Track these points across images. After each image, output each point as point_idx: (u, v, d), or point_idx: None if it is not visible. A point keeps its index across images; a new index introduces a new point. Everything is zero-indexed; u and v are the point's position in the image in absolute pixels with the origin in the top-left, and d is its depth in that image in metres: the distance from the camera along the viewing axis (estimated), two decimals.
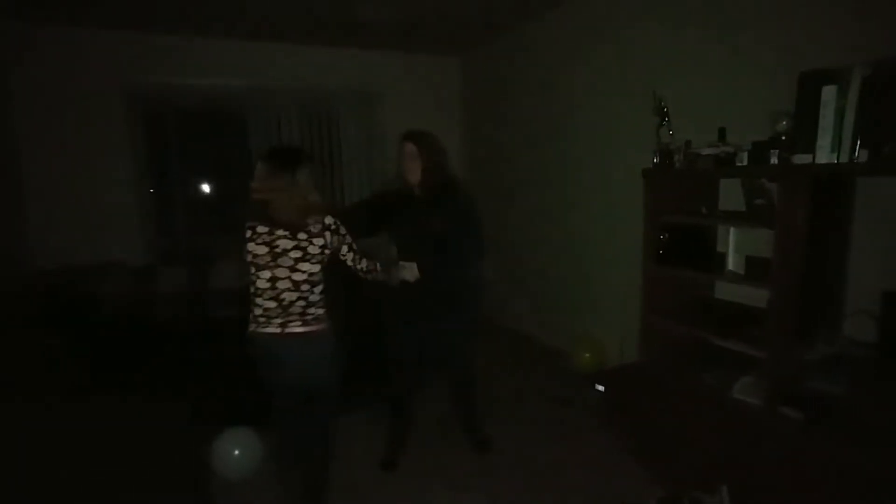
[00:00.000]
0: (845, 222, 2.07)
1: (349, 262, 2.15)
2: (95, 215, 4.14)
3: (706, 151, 2.24)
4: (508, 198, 4.59)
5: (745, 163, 2.11)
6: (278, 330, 1.97)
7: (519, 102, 4.34)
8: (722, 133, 2.27)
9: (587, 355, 3.62)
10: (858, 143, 1.74)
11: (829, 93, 1.77)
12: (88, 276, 3.66)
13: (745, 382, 2.21)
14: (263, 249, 1.95)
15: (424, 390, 3.07)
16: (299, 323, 1.98)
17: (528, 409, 3.21)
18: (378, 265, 2.22)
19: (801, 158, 1.87)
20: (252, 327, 2.02)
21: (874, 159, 1.72)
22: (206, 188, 4.79)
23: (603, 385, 3.20)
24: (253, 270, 1.98)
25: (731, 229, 2.27)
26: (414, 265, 2.31)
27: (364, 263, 2.17)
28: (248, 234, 1.99)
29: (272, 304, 1.96)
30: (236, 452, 2.52)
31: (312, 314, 2.00)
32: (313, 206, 2.00)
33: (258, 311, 1.98)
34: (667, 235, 2.47)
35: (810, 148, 1.84)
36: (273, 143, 4.53)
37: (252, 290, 2.00)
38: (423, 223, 2.32)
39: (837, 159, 1.78)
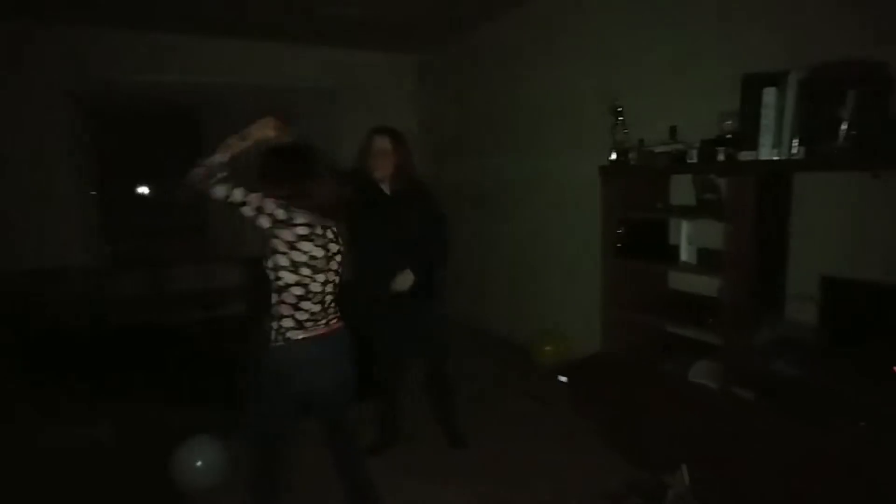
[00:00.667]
0: (785, 213, 2.23)
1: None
2: (39, 219, 3.92)
3: (659, 149, 2.36)
4: (469, 196, 4.64)
5: (695, 160, 2.23)
6: (324, 330, 1.83)
7: (478, 101, 4.40)
8: (673, 132, 2.40)
9: (550, 349, 3.73)
10: (796, 140, 1.88)
11: (769, 94, 1.91)
12: (35, 281, 3.48)
13: (700, 367, 2.35)
14: (321, 252, 1.77)
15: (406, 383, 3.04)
16: (335, 319, 1.89)
17: (498, 404, 3.26)
18: None
19: (745, 155, 2.01)
20: (292, 335, 1.76)
21: (810, 156, 1.87)
22: (155, 189, 4.60)
23: (566, 376, 3.31)
24: (308, 273, 1.74)
25: (684, 222, 2.40)
26: (408, 273, 2.28)
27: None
28: (305, 231, 1.73)
29: (318, 308, 1.80)
30: (199, 463, 2.46)
31: (336, 310, 1.91)
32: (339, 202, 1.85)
33: (304, 317, 1.76)
34: (624, 230, 2.58)
35: (754, 145, 1.97)
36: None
37: (299, 292, 1.74)
38: (398, 220, 2.30)
39: (778, 156, 1.93)
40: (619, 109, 2.49)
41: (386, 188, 2.39)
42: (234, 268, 3.81)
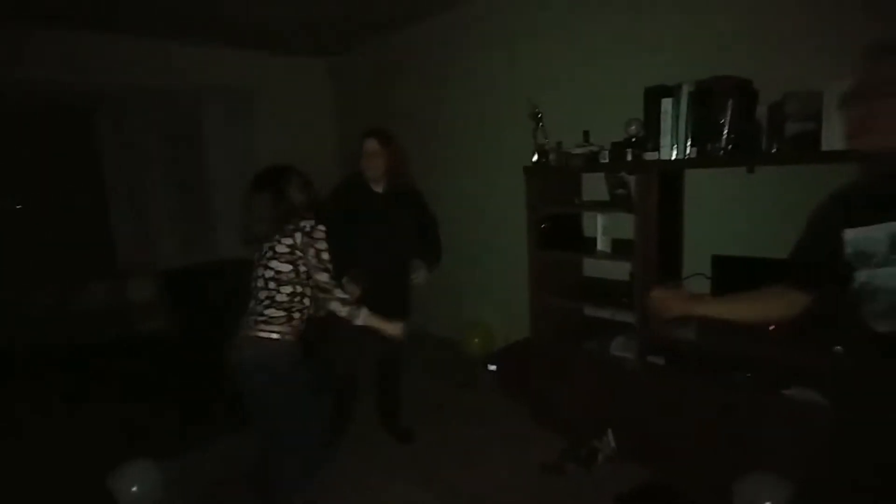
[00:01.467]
0: (681, 205, 2.61)
1: (302, 267, 1.95)
2: None
3: (576, 151, 2.66)
4: None
5: (607, 160, 2.55)
6: (249, 332, 1.90)
7: (399, 105, 4.50)
8: (587, 135, 2.71)
9: (477, 341, 3.94)
10: (689, 142, 2.24)
11: (666, 104, 2.26)
12: None
13: (618, 342, 2.67)
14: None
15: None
16: (260, 323, 1.89)
17: (435, 396, 3.40)
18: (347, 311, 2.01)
19: (649, 155, 2.35)
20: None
21: (700, 155, 2.23)
22: (47, 196, 4.15)
23: (495, 364, 3.54)
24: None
25: (599, 216, 2.71)
26: (400, 324, 2.13)
27: (322, 275, 1.96)
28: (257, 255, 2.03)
29: (252, 304, 1.98)
30: (134, 489, 2.34)
31: (267, 316, 1.90)
32: (301, 205, 2.00)
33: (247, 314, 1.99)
34: (546, 224, 2.85)
35: (656, 147, 2.32)
36: (127, 147, 4.14)
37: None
38: (389, 220, 2.35)
39: (675, 156, 2.28)
40: (539, 115, 2.75)
41: (378, 189, 2.44)
42: (148, 281, 3.58)
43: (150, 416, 2.88)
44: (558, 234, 2.86)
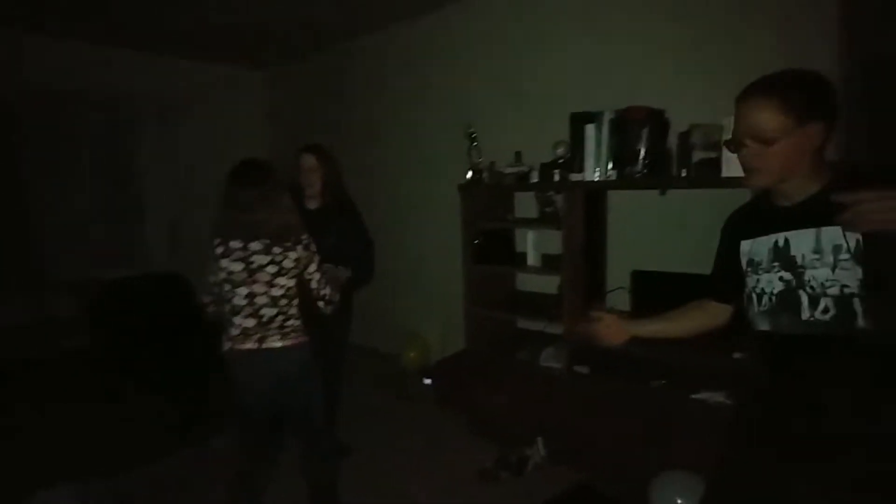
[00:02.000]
0: (603, 223, 2.80)
1: (314, 285, 2.00)
2: None
3: (508, 170, 2.79)
4: None
5: (537, 179, 2.70)
6: (255, 346, 1.88)
7: (336, 118, 4.50)
8: (518, 156, 2.86)
9: (413, 354, 3.98)
10: (610, 165, 2.43)
11: (590, 129, 2.43)
12: None
13: (548, 353, 2.80)
14: (239, 266, 1.85)
15: None
16: (278, 337, 1.90)
17: (372, 409, 3.38)
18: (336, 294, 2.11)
19: (575, 176, 2.51)
20: (227, 346, 1.91)
21: (620, 177, 2.42)
22: None
23: (430, 378, 3.59)
24: (228, 287, 1.87)
25: (529, 232, 2.85)
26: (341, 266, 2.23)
27: (327, 289, 2.04)
28: (221, 250, 1.87)
29: (251, 322, 1.87)
30: None
31: (291, 326, 1.94)
32: (296, 223, 1.95)
33: (235, 331, 1.87)
34: (479, 239, 2.96)
35: (581, 168, 2.49)
36: (54, 152, 3.89)
37: (228, 307, 1.89)
38: (320, 235, 2.33)
39: (598, 177, 2.45)
40: (474, 135, 2.87)
41: (313, 205, 2.43)
42: (67, 295, 3.34)
43: (71, 433, 2.69)
44: (492, 249, 2.98)
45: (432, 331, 4.00)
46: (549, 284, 2.89)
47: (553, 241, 2.69)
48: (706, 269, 2.37)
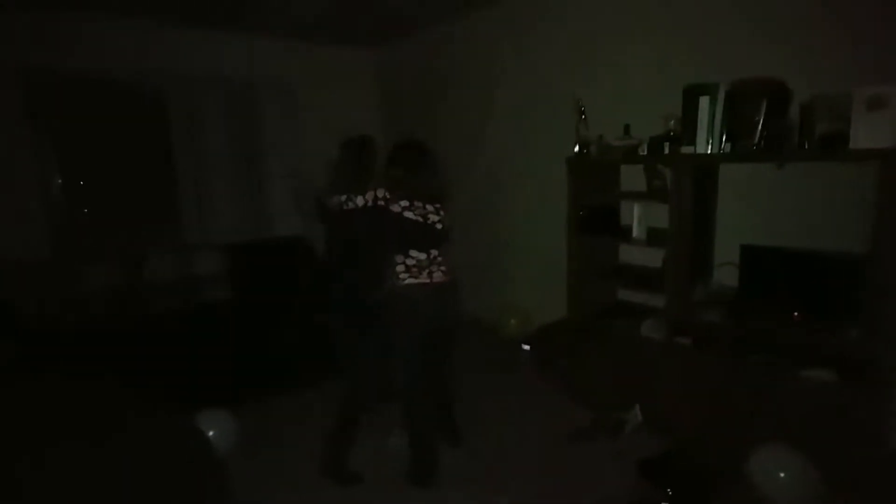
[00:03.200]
0: (713, 196, 2.77)
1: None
2: None
3: (616, 143, 2.84)
4: None
5: (645, 153, 2.72)
6: (428, 280, 2.36)
7: (441, 94, 4.72)
8: (627, 129, 2.88)
9: (513, 321, 4.17)
10: (724, 138, 2.40)
11: (704, 102, 2.42)
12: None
13: (648, 323, 2.85)
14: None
15: None
16: (441, 274, 2.41)
17: (470, 374, 3.54)
18: None
19: (686, 149, 2.51)
20: (404, 279, 2.35)
21: (734, 150, 2.40)
22: (123, 175, 4.53)
23: (529, 344, 3.76)
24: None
25: (636, 205, 2.89)
26: None
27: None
28: (406, 203, 2.33)
29: (423, 256, 2.37)
30: (212, 433, 2.66)
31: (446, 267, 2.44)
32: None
33: (411, 263, 2.36)
34: (585, 211, 3.04)
35: (692, 141, 2.48)
36: (193, 130, 4.51)
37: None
38: None
39: (710, 150, 2.44)
40: (583, 109, 2.94)
41: None
42: (213, 255, 3.93)
43: (212, 375, 3.21)
44: (596, 221, 3.05)
45: (533, 299, 4.15)
46: (653, 258, 2.92)
47: (659, 215, 2.72)
48: (823, 245, 2.33)
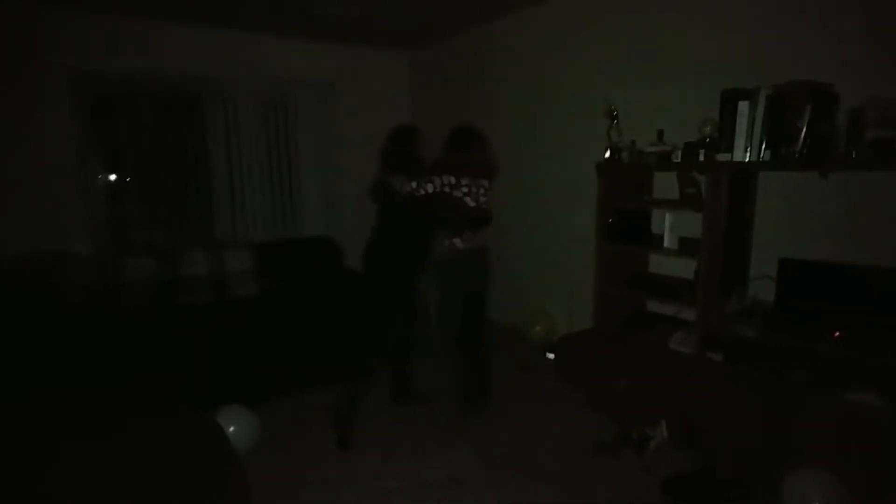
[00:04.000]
0: (751, 205, 2.65)
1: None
2: (39, 204, 3.97)
3: (649, 149, 2.75)
4: None
5: (679, 159, 2.63)
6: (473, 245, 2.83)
7: (473, 97, 4.69)
8: (660, 135, 2.79)
9: (538, 328, 4.10)
10: (764, 145, 2.30)
11: (743, 107, 2.31)
12: (42, 265, 3.55)
13: (678, 336, 2.75)
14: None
15: None
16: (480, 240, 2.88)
17: (497, 379, 3.53)
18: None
19: (722, 156, 2.41)
20: (456, 243, 2.80)
21: (774, 158, 2.28)
22: (160, 174, 4.66)
23: (553, 353, 3.68)
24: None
25: (667, 213, 2.79)
26: None
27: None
28: (465, 190, 2.72)
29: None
30: (231, 429, 2.68)
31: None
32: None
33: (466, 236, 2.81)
34: (615, 218, 2.96)
35: (729, 148, 2.38)
36: (228, 131, 4.61)
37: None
38: None
39: (749, 158, 2.33)
40: (615, 113, 2.86)
41: None
42: (244, 253, 4.01)
43: (242, 367, 3.27)
44: (626, 228, 2.97)
45: (559, 307, 4.07)
46: (684, 268, 2.82)
47: (693, 224, 2.61)
48: (870, 260, 2.19)
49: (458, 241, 2.81)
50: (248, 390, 3.00)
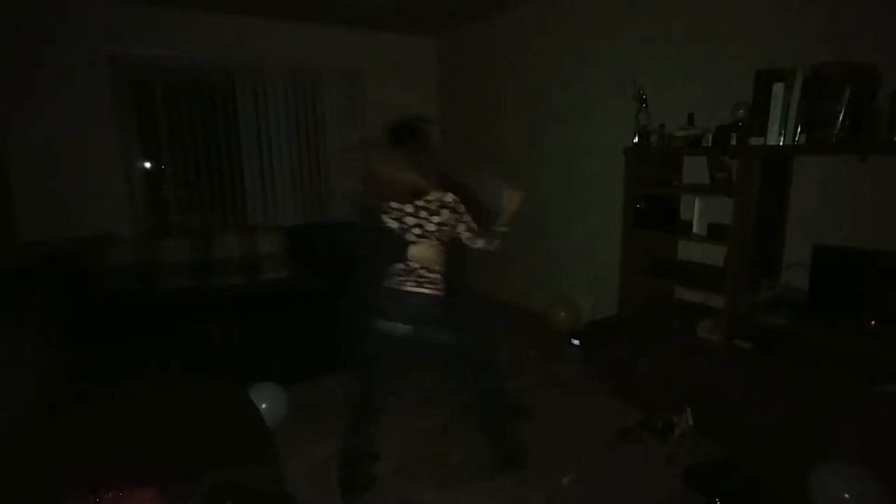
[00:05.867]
0: (785, 191, 2.57)
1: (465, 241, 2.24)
2: (81, 188, 4.15)
3: (679, 133, 2.69)
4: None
5: (710, 143, 2.56)
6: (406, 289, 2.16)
7: (500, 83, 4.64)
8: (691, 118, 2.72)
9: (563, 315, 4.08)
10: (799, 128, 2.21)
11: (778, 88, 2.23)
12: (83, 248, 3.71)
13: (705, 324, 2.70)
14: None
15: None
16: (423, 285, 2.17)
17: (518, 366, 3.54)
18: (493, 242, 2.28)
19: (755, 140, 2.34)
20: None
21: (810, 141, 2.20)
22: (195, 159, 4.79)
23: (578, 339, 3.67)
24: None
25: (696, 199, 2.73)
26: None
27: (480, 243, 2.26)
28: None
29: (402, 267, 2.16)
30: (263, 406, 2.78)
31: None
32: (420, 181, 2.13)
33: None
34: (643, 203, 2.91)
35: (763, 132, 2.30)
36: (259, 117, 4.71)
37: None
38: None
39: (783, 141, 2.26)
40: (644, 97, 2.80)
41: None
42: (275, 236, 4.11)
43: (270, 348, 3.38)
44: (654, 214, 2.92)
45: (584, 293, 4.04)
46: (714, 255, 2.76)
47: (723, 210, 2.55)
48: None
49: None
50: (278, 371, 3.09)
